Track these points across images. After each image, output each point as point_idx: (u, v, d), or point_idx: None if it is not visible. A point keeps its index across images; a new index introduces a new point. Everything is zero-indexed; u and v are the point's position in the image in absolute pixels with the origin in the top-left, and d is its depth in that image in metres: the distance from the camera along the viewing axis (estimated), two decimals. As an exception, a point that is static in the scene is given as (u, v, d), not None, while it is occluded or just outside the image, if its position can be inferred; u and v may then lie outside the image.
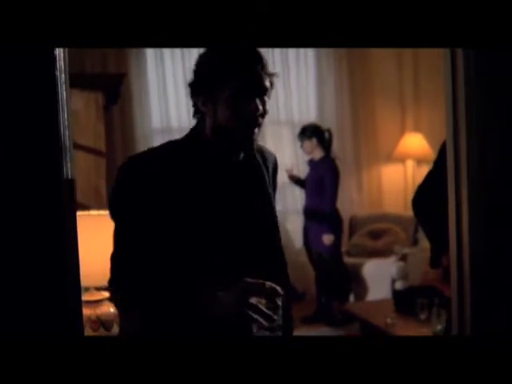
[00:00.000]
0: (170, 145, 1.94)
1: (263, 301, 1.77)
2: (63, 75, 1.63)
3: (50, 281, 1.64)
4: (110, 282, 1.92)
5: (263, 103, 1.87)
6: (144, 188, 1.83)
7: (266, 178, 2.05)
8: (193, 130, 1.97)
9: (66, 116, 1.63)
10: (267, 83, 1.87)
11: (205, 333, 1.80)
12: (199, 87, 1.91)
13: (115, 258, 1.90)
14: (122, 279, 1.88)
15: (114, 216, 1.91)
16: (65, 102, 1.62)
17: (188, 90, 1.95)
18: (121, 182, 1.87)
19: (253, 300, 1.76)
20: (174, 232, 1.84)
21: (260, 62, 1.86)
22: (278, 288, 1.81)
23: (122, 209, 1.88)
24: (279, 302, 1.81)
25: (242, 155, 1.96)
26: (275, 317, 1.79)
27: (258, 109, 1.85)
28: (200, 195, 1.87)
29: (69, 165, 1.65)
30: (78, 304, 1.72)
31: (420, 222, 3.88)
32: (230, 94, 1.83)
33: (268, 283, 1.80)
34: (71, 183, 1.69)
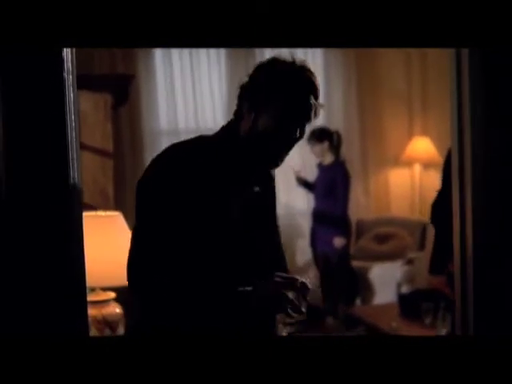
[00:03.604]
0: (202, 141, 1.97)
1: (293, 293, 1.92)
2: (71, 76, 1.64)
3: (55, 281, 1.65)
4: (128, 275, 1.91)
5: (302, 129, 1.94)
6: (174, 183, 1.86)
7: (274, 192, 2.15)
8: (226, 130, 2.00)
9: (73, 117, 1.65)
10: (312, 113, 1.94)
11: (222, 328, 1.85)
12: (250, 93, 1.94)
13: (134, 252, 1.90)
14: (140, 274, 1.88)
15: (140, 206, 1.91)
16: (72, 103, 1.64)
17: (238, 91, 1.97)
18: (155, 174, 1.90)
19: (285, 292, 1.90)
20: (196, 227, 1.87)
21: (314, 91, 1.93)
22: (308, 284, 1.94)
23: (150, 201, 1.88)
24: (307, 297, 1.95)
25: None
26: (303, 309, 1.93)
27: (296, 135, 1.93)
28: (223, 197, 1.91)
29: (75, 166, 1.66)
30: (84, 304, 1.73)
31: (435, 225, 3.89)
32: (277, 112, 1.89)
33: (300, 279, 1.93)
34: (78, 184, 1.70)
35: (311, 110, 1.93)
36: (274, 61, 1.93)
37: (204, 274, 1.87)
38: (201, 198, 1.87)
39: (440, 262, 3.53)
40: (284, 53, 1.94)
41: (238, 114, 1.97)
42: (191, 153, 1.92)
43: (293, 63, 1.92)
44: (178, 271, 1.86)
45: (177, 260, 1.86)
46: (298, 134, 1.93)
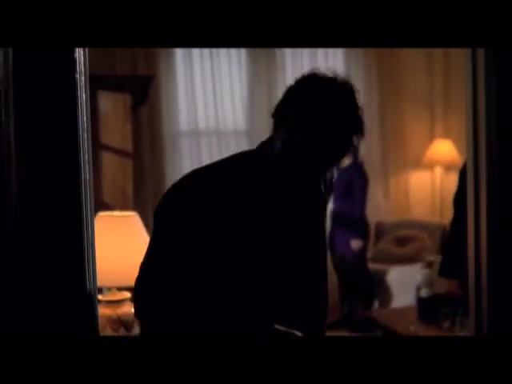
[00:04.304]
0: (237, 161, 1.87)
1: None
2: (83, 78, 1.65)
3: (66, 281, 1.66)
4: (136, 288, 1.80)
5: (346, 143, 1.81)
6: (201, 207, 1.76)
7: (324, 207, 2.02)
8: (262, 147, 1.88)
9: (85, 118, 1.65)
10: (354, 127, 1.82)
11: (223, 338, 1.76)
12: (283, 110, 1.79)
13: (146, 267, 1.79)
14: (149, 290, 1.77)
15: (159, 224, 1.80)
16: (84, 104, 1.65)
17: (273, 109, 1.82)
18: (179, 195, 1.80)
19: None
20: (218, 253, 1.77)
21: (353, 108, 1.81)
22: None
23: (170, 220, 1.78)
24: None
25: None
26: None
27: (336, 148, 1.79)
28: (256, 220, 1.81)
29: (87, 166, 1.67)
30: (94, 304, 1.74)
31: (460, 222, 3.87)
32: (311, 129, 1.73)
33: (297, 334, 1.78)
34: (89, 184, 1.70)
35: (355, 124, 1.82)
36: (313, 78, 1.79)
37: (216, 302, 1.78)
38: (232, 222, 1.77)
39: (453, 264, 3.51)
40: (321, 68, 1.82)
41: (274, 131, 1.82)
42: (228, 174, 1.81)
43: (334, 80, 1.78)
44: (196, 297, 1.77)
45: (197, 285, 1.76)
46: (340, 147, 1.80)
